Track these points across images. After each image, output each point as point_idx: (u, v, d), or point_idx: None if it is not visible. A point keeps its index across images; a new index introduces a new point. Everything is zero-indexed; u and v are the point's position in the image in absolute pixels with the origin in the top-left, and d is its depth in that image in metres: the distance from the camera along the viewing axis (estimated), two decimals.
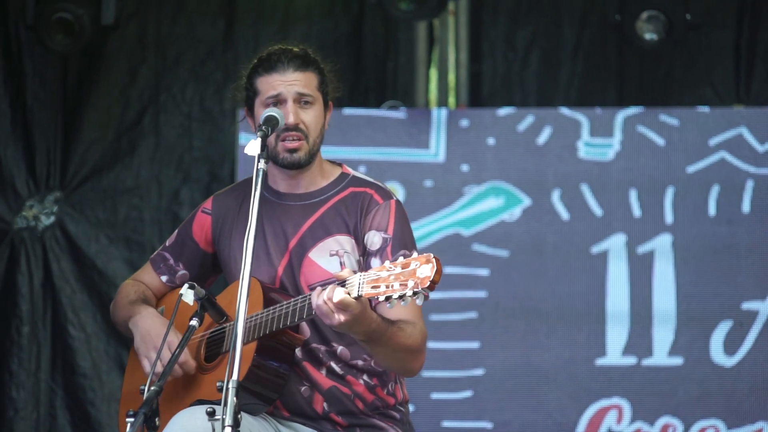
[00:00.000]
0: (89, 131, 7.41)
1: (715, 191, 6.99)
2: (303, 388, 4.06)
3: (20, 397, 7.28)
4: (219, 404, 3.48)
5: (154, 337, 4.10)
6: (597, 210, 7.02)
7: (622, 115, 7.06)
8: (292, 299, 3.90)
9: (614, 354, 6.95)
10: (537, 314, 6.97)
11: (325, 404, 4.07)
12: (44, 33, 6.95)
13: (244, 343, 3.78)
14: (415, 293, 3.54)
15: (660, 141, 7.04)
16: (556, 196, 7.03)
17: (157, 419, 3.64)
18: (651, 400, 6.92)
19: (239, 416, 3.47)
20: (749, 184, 6.99)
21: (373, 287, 3.62)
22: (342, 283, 3.69)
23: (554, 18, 7.41)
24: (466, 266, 7.00)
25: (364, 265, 4.05)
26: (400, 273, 3.58)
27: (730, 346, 6.92)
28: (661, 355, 6.94)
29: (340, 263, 4.05)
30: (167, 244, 4.35)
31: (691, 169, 7.02)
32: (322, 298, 3.70)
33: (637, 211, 7.02)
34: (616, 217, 7.01)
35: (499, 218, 7.05)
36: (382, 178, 6.71)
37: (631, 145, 7.04)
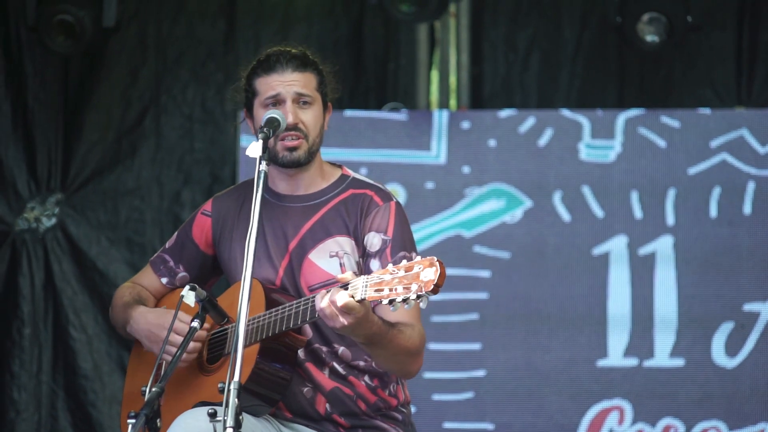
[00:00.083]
0: (90, 133, 7.41)
1: (716, 193, 6.99)
2: (305, 390, 4.06)
3: (21, 399, 7.28)
4: (221, 406, 3.48)
5: (156, 330, 4.10)
6: (598, 212, 7.02)
7: (623, 116, 7.06)
8: (295, 301, 3.90)
9: (615, 355, 6.95)
10: (538, 316, 6.97)
11: (327, 405, 4.07)
12: (45, 34, 6.96)
13: (246, 346, 3.79)
14: (418, 297, 3.54)
15: (661, 143, 7.04)
16: (557, 198, 7.03)
17: (158, 420, 3.64)
18: (652, 402, 6.92)
19: (241, 417, 3.47)
20: (750, 186, 6.99)
21: (376, 290, 3.61)
22: (345, 286, 3.69)
23: (555, 19, 7.41)
24: (467, 268, 7.00)
25: (363, 267, 4.05)
26: (403, 276, 3.58)
27: (732, 348, 6.92)
28: (663, 357, 6.94)
29: (340, 264, 4.05)
30: (167, 246, 4.35)
31: (693, 170, 7.02)
32: (326, 301, 3.70)
33: (638, 213, 7.02)
34: (618, 219, 7.01)
35: (500, 220, 7.05)
36: (383, 179, 6.73)
37: (632, 147, 7.04)
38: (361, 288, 3.65)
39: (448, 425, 6.96)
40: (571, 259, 6.99)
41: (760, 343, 6.92)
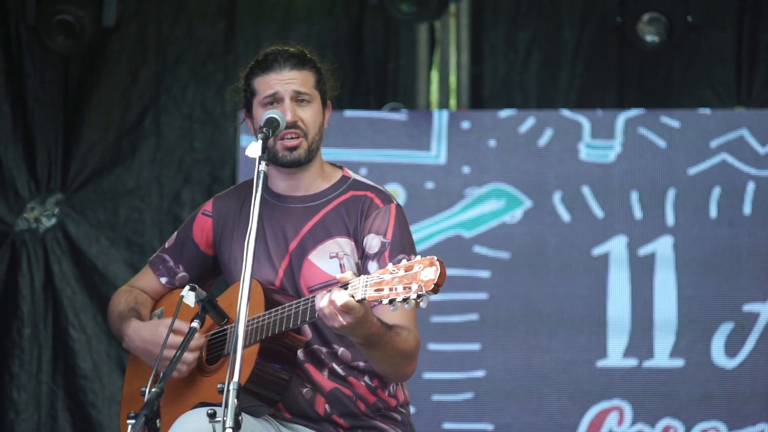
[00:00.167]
0: (90, 133, 7.41)
1: (716, 193, 6.99)
2: (305, 390, 4.06)
3: (21, 399, 7.28)
4: (220, 406, 3.48)
5: (153, 348, 4.09)
6: (598, 212, 7.02)
7: (623, 117, 7.06)
8: (294, 301, 3.90)
9: (615, 356, 6.95)
10: (538, 316, 6.97)
11: (327, 406, 4.07)
12: (45, 34, 6.96)
13: (246, 346, 3.79)
14: (419, 296, 3.54)
15: (661, 143, 7.04)
16: (557, 198, 7.03)
17: (158, 421, 3.64)
18: (652, 402, 6.91)
19: (240, 418, 3.47)
20: (750, 186, 6.98)
21: (376, 290, 3.61)
22: (345, 285, 3.69)
23: (555, 20, 7.41)
24: (467, 268, 7.00)
25: (361, 268, 4.05)
26: (403, 276, 3.58)
27: (732, 348, 6.92)
28: (662, 357, 6.94)
29: (340, 265, 4.05)
30: (166, 246, 4.34)
31: (692, 170, 7.02)
32: (325, 301, 3.70)
33: (638, 213, 7.02)
34: (617, 219, 7.01)
35: (500, 220, 7.05)
36: (383, 180, 6.73)
37: (632, 147, 7.04)
38: (361, 288, 3.65)
39: (447, 426, 6.95)
40: (571, 259, 6.99)
41: (759, 344, 6.92)
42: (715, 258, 6.96)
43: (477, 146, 7.07)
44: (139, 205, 7.40)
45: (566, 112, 7.09)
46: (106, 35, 7.15)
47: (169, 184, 7.41)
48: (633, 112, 7.08)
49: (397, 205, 4.14)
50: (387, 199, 4.14)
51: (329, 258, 4.07)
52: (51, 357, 7.31)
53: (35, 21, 6.96)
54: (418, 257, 3.60)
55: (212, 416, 3.51)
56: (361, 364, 4.09)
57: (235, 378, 3.49)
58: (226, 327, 4.06)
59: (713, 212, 6.99)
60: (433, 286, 3.52)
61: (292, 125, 4.08)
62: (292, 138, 4.09)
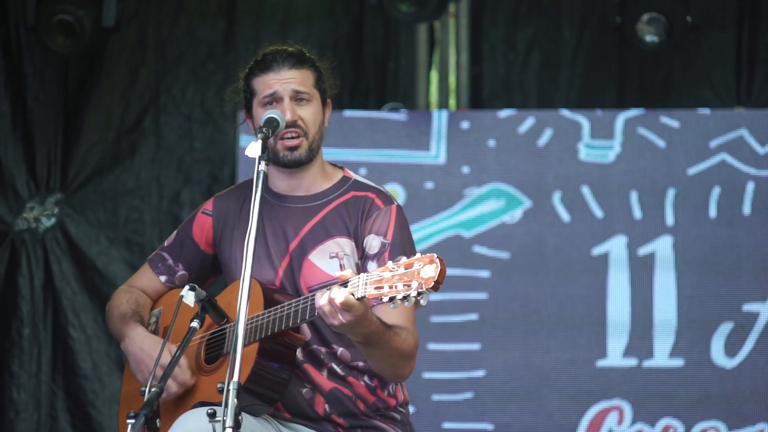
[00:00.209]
0: (90, 133, 7.41)
1: (715, 193, 6.99)
2: (304, 390, 4.06)
3: (21, 399, 7.28)
4: (220, 406, 3.48)
5: (148, 361, 4.08)
6: (598, 212, 7.02)
7: (622, 117, 7.06)
8: (294, 300, 3.90)
9: (615, 356, 6.95)
10: (538, 316, 6.97)
11: (326, 406, 4.07)
12: (45, 34, 6.96)
13: (245, 345, 3.78)
14: (419, 294, 3.54)
15: (660, 143, 7.04)
16: (556, 198, 7.03)
17: (157, 421, 3.64)
18: (652, 402, 6.91)
19: (240, 418, 3.47)
20: (750, 186, 6.99)
21: (376, 288, 3.61)
22: (345, 283, 3.69)
23: (554, 20, 7.41)
24: (466, 268, 7.00)
25: (361, 269, 4.05)
26: (403, 273, 3.57)
27: (731, 348, 6.92)
28: (662, 357, 6.94)
29: (340, 266, 4.05)
30: (166, 244, 4.34)
31: (692, 170, 7.02)
32: (325, 298, 3.70)
33: (637, 213, 7.02)
34: (617, 219, 7.01)
35: (499, 220, 7.05)
36: (382, 180, 6.73)
37: (631, 147, 7.04)
38: (361, 285, 3.65)
39: (447, 425, 6.95)
40: (571, 259, 6.99)
41: (759, 344, 6.92)
42: (714, 258, 6.96)
43: (476, 146, 7.07)
44: (139, 205, 7.40)
45: (566, 112, 7.09)
46: (106, 35, 7.14)
47: (169, 184, 7.41)
48: (632, 112, 7.08)
49: (398, 206, 4.14)
50: (388, 200, 4.14)
51: (329, 258, 4.07)
52: (51, 357, 7.30)
53: (35, 21, 6.95)
54: (418, 255, 3.60)
55: (212, 416, 3.51)
56: (361, 363, 4.09)
57: (235, 378, 3.48)
58: (225, 326, 4.05)
59: (713, 212, 6.99)
60: (433, 283, 3.51)
61: (292, 124, 4.08)
62: (292, 137, 4.09)
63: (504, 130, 7.08)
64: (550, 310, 6.97)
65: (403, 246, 4.06)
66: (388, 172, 7.04)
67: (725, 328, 6.93)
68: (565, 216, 7.03)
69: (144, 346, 4.13)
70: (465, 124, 7.10)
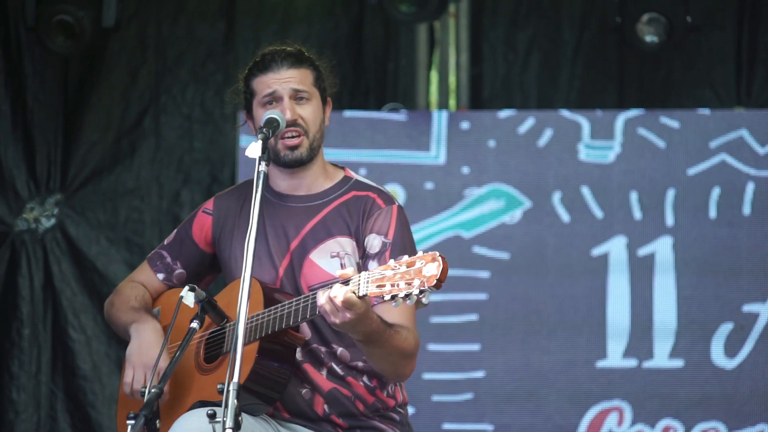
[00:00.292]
0: (90, 133, 7.41)
1: (715, 193, 6.99)
2: (304, 390, 4.06)
3: (21, 400, 7.28)
4: (220, 406, 3.48)
5: (149, 354, 4.07)
6: (597, 212, 7.02)
7: (622, 117, 7.06)
8: (294, 299, 3.90)
9: (615, 356, 6.95)
10: (537, 316, 6.97)
11: (325, 406, 4.07)
12: (45, 35, 6.96)
13: (245, 344, 3.78)
14: (421, 292, 3.53)
15: (660, 143, 7.04)
16: (556, 199, 7.03)
17: (157, 421, 3.63)
18: (652, 403, 6.91)
19: (240, 418, 3.47)
20: (750, 187, 6.98)
21: (378, 286, 3.61)
22: (346, 281, 3.69)
23: (554, 20, 7.41)
24: (466, 268, 7.00)
25: (362, 268, 4.05)
26: (405, 272, 3.57)
27: (731, 349, 6.92)
28: (662, 358, 6.94)
29: (341, 265, 4.05)
30: (165, 242, 4.34)
31: (692, 171, 7.02)
32: (326, 297, 3.69)
33: (637, 214, 7.02)
34: (617, 220, 7.01)
35: (499, 220, 7.04)
36: (382, 180, 6.73)
37: (631, 148, 7.04)
38: (363, 284, 3.65)
39: (447, 426, 6.95)
40: (571, 259, 6.99)
41: (759, 344, 6.92)
42: (714, 258, 6.96)
43: (476, 147, 7.07)
44: (139, 205, 7.40)
45: (566, 113, 7.09)
46: (106, 35, 7.15)
47: (169, 184, 7.41)
48: (632, 113, 7.08)
49: (399, 206, 4.14)
50: (389, 200, 4.14)
51: (330, 257, 4.07)
52: (50, 357, 7.30)
53: (35, 21, 6.95)
54: (420, 253, 3.59)
55: (212, 416, 3.51)
56: (360, 364, 4.08)
57: (235, 378, 3.48)
58: (224, 326, 4.05)
59: (713, 213, 6.99)
60: (435, 281, 3.51)
61: (293, 123, 4.08)
62: (292, 137, 4.09)
63: (504, 131, 7.08)
64: (550, 311, 6.97)
65: (404, 246, 4.06)
66: (388, 172, 7.04)
67: (725, 329, 6.93)
68: (564, 216, 7.03)
69: (154, 341, 4.10)
70: (465, 125, 7.10)
